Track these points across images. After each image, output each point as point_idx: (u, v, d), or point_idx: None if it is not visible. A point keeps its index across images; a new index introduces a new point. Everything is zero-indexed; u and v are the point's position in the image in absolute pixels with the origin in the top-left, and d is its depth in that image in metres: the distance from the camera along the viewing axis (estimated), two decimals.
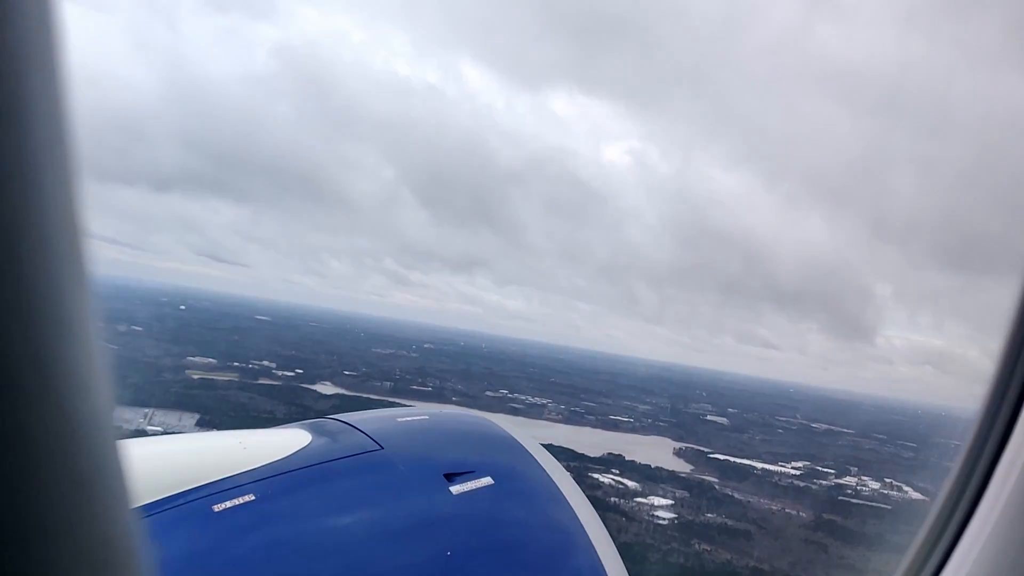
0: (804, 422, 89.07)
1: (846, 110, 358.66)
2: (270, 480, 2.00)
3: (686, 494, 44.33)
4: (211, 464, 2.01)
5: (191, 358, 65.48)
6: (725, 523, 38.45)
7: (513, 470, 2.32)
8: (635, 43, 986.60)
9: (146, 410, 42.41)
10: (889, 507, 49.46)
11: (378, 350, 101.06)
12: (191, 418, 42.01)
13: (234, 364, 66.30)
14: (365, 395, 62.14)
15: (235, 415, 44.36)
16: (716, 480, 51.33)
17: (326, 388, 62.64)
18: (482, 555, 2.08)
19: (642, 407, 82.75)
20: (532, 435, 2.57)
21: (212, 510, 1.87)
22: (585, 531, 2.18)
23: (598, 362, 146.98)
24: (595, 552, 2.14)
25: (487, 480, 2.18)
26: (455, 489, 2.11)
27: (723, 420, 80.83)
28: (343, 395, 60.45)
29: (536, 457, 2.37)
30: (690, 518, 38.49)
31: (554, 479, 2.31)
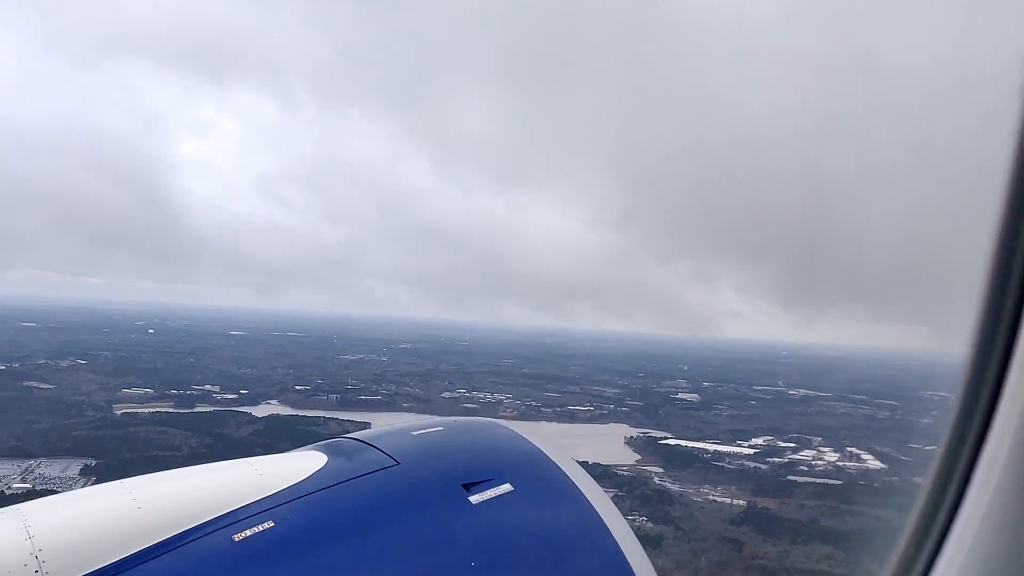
0: (782, 389, 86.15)
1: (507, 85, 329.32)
2: (289, 505, 1.98)
3: (616, 492, 41.83)
4: (228, 494, 1.97)
5: (126, 390, 63.44)
6: (641, 525, 35.91)
7: (531, 475, 2.25)
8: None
9: (30, 462, 40.27)
10: (840, 481, 46.76)
11: (346, 356, 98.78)
12: (78, 465, 39.77)
13: (172, 392, 64.19)
14: (303, 412, 59.95)
15: (132, 456, 42.06)
16: (659, 470, 48.87)
17: (264, 409, 60.39)
18: (505, 562, 2.04)
19: (610, 391, 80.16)
20: None
21: (232, 539, 1.85)
22: (610, 533, 2.13)
23: (583, 344, 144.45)
24: (622, 554, 2.09)
25: (506, 487, 2.15)
26: (474, 499, 2.10)
27: (694, 397, 78.02)
28: (278, 415, 58.23)
29: (555, 460, 2.31)
30: None
31: (575, 481, 2.25)
